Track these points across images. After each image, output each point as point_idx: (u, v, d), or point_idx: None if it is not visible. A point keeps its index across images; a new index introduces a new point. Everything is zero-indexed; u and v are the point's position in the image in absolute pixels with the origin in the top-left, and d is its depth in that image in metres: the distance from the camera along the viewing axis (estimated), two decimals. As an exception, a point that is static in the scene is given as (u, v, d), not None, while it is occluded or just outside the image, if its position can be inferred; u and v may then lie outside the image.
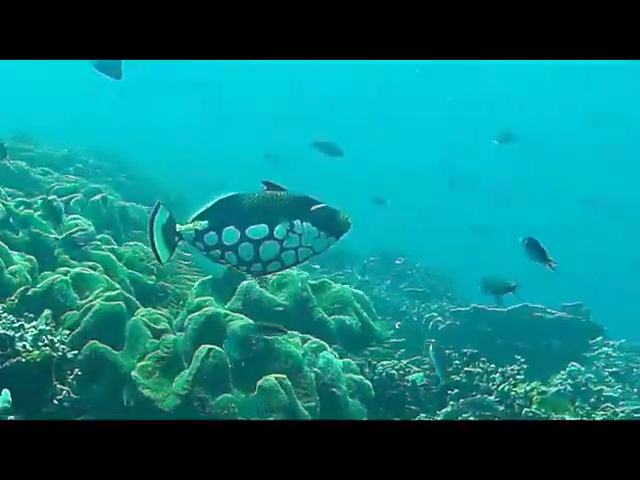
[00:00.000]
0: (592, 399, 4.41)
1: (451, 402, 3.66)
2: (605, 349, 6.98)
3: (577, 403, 3.92)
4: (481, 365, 3.88)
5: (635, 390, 5.66)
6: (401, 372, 3.80)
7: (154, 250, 2.77)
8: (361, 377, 3.54)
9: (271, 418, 2.98)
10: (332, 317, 4.12)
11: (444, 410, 3.63)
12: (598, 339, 7.32)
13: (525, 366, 4.18)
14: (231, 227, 2.75)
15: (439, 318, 6.97)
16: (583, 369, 4.74)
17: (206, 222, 2.78)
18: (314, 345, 3.55)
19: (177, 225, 2.79)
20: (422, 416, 3.54)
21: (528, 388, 3.71)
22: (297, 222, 2.79)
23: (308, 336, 3.64)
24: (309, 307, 4.12)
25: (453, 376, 3.89)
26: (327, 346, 3.59)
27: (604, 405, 4.36)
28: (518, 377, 3.90)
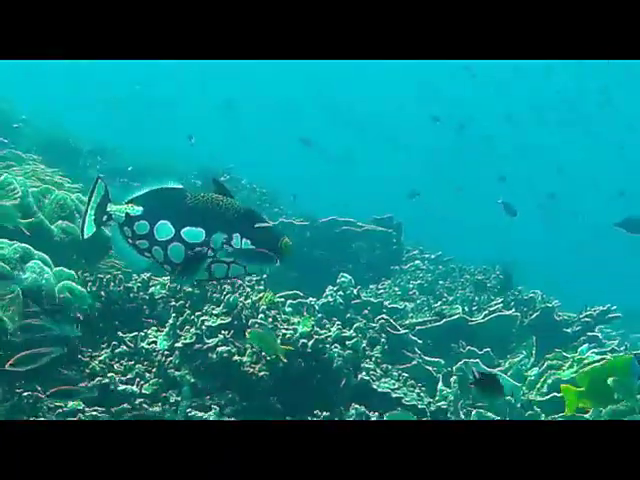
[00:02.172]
0: (366, 310, 4.36)
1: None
2: (417, 262, 7.04)
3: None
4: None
5: (433, 302, 5.66)
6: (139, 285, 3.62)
7: (82, 223, 2.64)
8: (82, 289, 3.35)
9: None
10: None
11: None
12: (415, 252, 7.40)
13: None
14: (166, 222, 2.59)
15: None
16: (349, 278, 4.66)
17: (140, 209, 2.62)
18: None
19: (109, 204, 2.63)
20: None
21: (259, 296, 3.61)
22: (236, 236, 2.62)
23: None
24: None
25: None
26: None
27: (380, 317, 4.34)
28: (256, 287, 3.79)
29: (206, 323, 3.38)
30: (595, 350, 4.60)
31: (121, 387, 3.19)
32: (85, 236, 2.68)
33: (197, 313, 3.41)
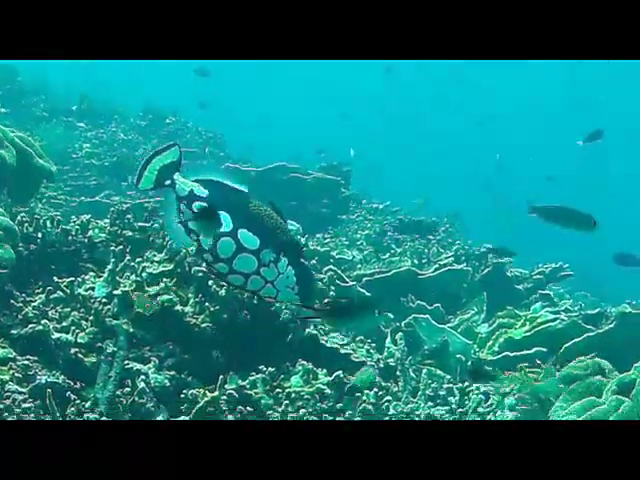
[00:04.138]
0: (314, 260, 4.20)
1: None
2: (365, 212, 6.91)
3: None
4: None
5: (381, 255, 5.53)
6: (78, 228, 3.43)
7: (140, 172, 2.54)
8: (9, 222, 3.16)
9: None
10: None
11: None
12: (363, 202, 7.27)
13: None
14: (227, 215, 2.53)
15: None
16: (297, 226, 4.51)
17: (206, 192, 2.54)
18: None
19: (177, 173, 2.55)
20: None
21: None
22: (284, 260, 2.60)
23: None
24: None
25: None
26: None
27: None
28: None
29: (147, 270, 3.19)
30: (549, 309, 4.51)
31: (55, 335, 2.99)
32: (139, 187, 2.60)
33: (138, 259, 3.21)
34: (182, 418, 2.87)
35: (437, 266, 5.02)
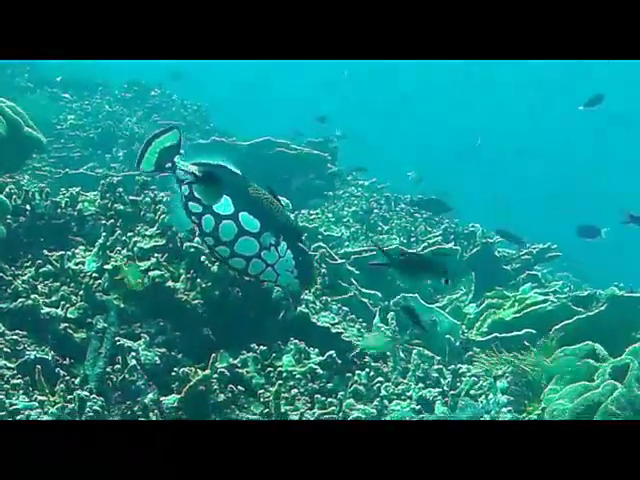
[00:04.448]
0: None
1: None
2: (351, 189, 6.86)
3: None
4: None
5: (367, 231, 5.50)
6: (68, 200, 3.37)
7: (141, 154, 2.59)
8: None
9: None
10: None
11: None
12: (348, 178, 7.22)
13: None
14: (229, 198, 2.56)
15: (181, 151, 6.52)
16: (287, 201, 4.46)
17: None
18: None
19: (178, 157, 2.59)
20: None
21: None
22: (284, 244, 2.66)
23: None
24: None
25: None
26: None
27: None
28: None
29: (138, 244, 3.14)
30: (538, 290, 4.50)
31: (45, 310, 2.94)
32: (140, 169, 2.65)
33: (129, 234, 3.16)
34: (172, 396, 2.83)
35: (425, 244, 5.00)
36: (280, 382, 2.90)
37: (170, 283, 3.10)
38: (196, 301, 3.12)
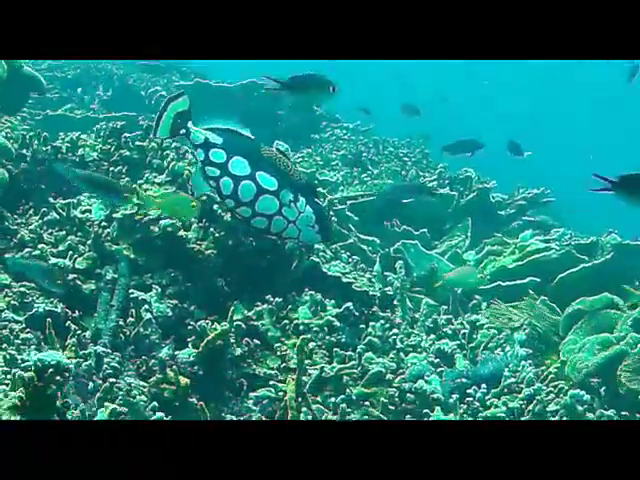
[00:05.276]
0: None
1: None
2: (337, 131, 6.73)
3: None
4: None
5: (358, 175, 5.39)
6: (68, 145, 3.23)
7: (157, 122, 2.62)
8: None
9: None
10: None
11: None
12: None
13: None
14: (244, 159, 2.61)
15: (163, 93, 6.36)
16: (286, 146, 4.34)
17: (221, 139, 2.63)
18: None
19: (190, 122, 2.63)
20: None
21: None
22: (303, 200, 2.69)
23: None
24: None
25: None
26: None
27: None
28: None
29: (147, 192, 3.01)
30: (539, 237, 4.42)
31: (52, 260, 2.81)
32: (157, 137, 2.69)
33: (139, 181, 3.02)
34: (187, 350, 2.73)
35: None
36: (302, 336, 2.80)
37: (182, 232, 2.98)
38: (209, 251, 3.01)
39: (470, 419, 2.56)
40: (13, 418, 2.00)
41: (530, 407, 2.55)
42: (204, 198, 3.03)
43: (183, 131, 2.61)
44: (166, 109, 2.61)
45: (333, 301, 3.08)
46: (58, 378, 2.03)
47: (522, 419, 2.52)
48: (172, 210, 2.77)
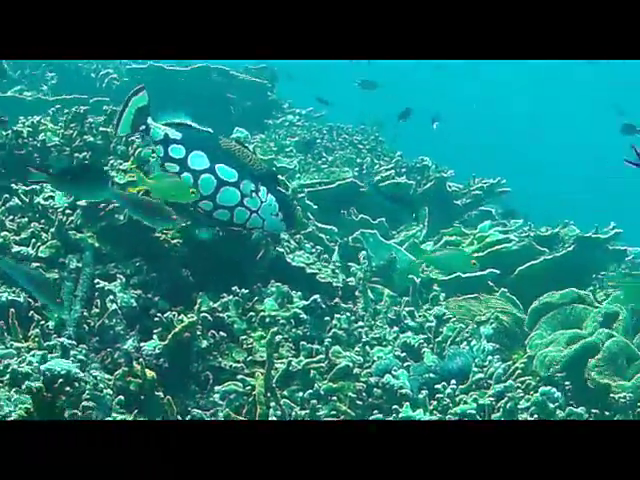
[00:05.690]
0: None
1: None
2: (290, 117, 6.68)
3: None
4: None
5: (312, 161, 5.35)
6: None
7: (119, 119, 2.67)
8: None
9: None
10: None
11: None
12: (285, 106, 7.03)
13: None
14: (202, 153, 2.67)
15: (114, 75, 6.24)
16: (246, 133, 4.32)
17: (180, 134, 2.69)
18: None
19: (150, 118, 2.69)
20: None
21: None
22: (264, 189, 2.76)
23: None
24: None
25: None
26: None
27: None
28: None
29: (114, 180, 2.93)
30: (498, 228, 4.43)
31: (15, 248, 2.73)
32: (119, 134, 2.76)
33: (105, 168, 2.95)
34: (153, 342, 2.68)
35: (379, 178, 4.87)
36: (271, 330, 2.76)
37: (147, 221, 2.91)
38: (174, 240, 2.95)
39: (440, 416, 2.54)
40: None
41: (501, 404, 2.54)
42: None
43: (143, 127, 2.66)
44: (127, 105, 2.64)
45: (300, 293, 3.04)
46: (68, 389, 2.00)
47: (493, 417, 2.51)
48: (168, 194, 2.70)
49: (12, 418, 2.01)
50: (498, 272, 3.91)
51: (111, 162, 3.01)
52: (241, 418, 2.45)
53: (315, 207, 4.30)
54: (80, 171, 2.69)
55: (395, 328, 3.26)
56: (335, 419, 2.54)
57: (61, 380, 1.99)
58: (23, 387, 2.09)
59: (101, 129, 3.10)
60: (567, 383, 2.80)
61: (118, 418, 2.30)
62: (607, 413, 2.63)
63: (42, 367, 2.13)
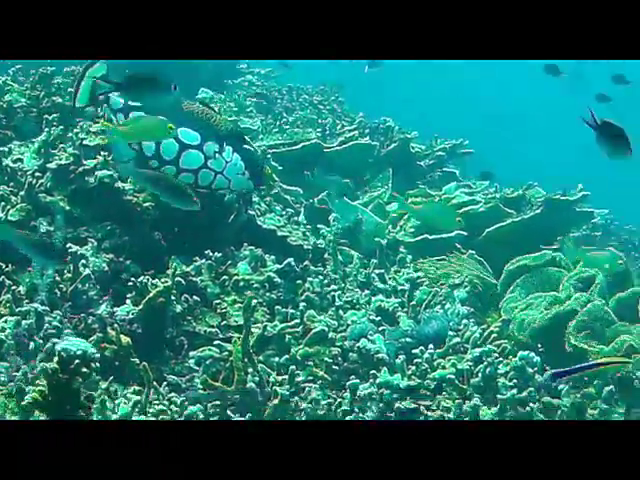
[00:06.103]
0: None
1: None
2: (249, 77, 6.60)
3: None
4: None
5: (273, 122, 5.29)
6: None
7: (75, 90, 2.65)
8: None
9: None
10: None
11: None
12: (243, 66, 6.94)
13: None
14: (164, 118, 2.53)
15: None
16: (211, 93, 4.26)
17: (138, 104, 2.65)
18: None
19: (109, 86, 2.60)
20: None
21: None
22: (229, 149, 2.75)
23: None
24: None
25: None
26: None
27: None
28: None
29: (84, 142, 2.86)
30: (465, 190, 4.43)
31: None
32: (77, 105, 2.71)
33: (75, 130, 2.87)
34: (126, 307, 2.64)
35: (343, 139, 4.83)
36: (248, 294, 2.74)
37: (119, 184, 2.86)
38: (146, 204, 2.89)
39: (419, 381, 2.54)
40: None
41: (479, 368, 2.55)
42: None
43: (102, 97, 2.64)
44: (83, 77, 2.62)
45: (273, 257, 3.01)
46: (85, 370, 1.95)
47: (472, 381, 2.52)
48: (147, 135, 2.63)
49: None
50: (466, 234, 3.90)
51: (81, 124, 2.94)
52: (236, 419, 2.41)
53: (280, 168, 4.25)
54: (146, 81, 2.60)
55: (366, 291, 3.25)
56: (335, 419, 2.50)
57: (77, 361, 1.92)
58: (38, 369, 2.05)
59: (69, 90, 3.02)
60: (541, 347, 2.81)
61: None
62: (586, 379, 2.64)
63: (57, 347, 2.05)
